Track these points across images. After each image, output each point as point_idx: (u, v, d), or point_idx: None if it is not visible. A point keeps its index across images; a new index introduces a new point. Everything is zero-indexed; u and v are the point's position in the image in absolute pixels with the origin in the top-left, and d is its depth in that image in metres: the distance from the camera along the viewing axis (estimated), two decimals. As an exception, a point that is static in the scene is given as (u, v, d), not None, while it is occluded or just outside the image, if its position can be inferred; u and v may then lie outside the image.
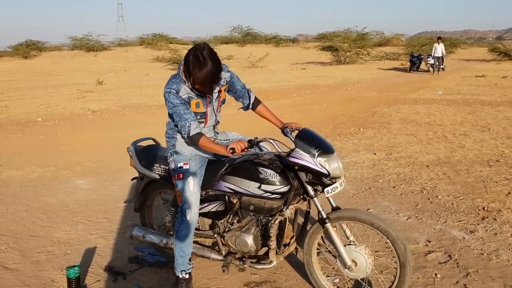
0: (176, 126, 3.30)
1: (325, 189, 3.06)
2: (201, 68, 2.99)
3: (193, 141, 3.16)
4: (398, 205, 5.18)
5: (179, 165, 3.34)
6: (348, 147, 7.92)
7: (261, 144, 3.33)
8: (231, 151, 3.01)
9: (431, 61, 25.67)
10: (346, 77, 23.39)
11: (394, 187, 5.80)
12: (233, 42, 50.44)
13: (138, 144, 3.91)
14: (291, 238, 3.45)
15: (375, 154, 7.44)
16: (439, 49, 24.44)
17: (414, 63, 26.79)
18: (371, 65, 32.35)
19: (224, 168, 3.36)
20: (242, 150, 3.03)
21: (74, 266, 3.44)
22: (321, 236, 3.29)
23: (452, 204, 5.13)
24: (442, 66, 25.79)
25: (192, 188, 3.28)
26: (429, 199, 5.32)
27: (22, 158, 7.88)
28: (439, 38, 26.16)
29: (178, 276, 3.43)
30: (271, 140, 3.24)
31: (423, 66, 26.92)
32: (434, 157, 7.17)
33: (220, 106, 3.44)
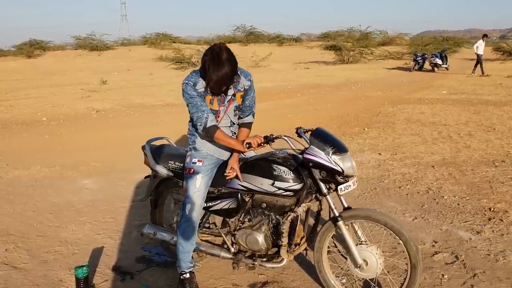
0: (192, 120, 3.37)
1: (339, 187, 3.11)
2: (215, 69, 3.06)
3: (208, 133, 3.24)
4: (404, 205, 5.18)
5: (193, 160, 3.44)
6: (353, 147, 7.92)
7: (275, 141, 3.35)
8: (247, 145, 3.12)
9: (435, 60, 25.65)
10: (350, 76, 23.36)
11: (399, 187, 5.81)
12: (236, 42, 50.39)
13: (152, 143, 3.96)
14: (302, 238, 3.47)
15: (380, 154, 7.44)
16: (482, 46, 23.67)
17: (418, 63, 26.72)
18: (374, 64, 32.31)
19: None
20: (259, 145, 3.13)
21: (83, 266, 3.46)
22: (332, 235, 3.30)
23: (458, 204, 5.13)
24: (445, 66, 25.74)
25: (198, 185, 3.34)
26: (435, 200, 5.32)
27: (28, 158, 7.90)
28: (485, 35, 25.69)
29: (180, 275, 3.48)
30: (285, 138, 3.26)
31: (426, 65, 26.85)
32: (440, 157, 7.17)
33: (233, 109, 3.46)
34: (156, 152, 3.82)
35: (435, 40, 42.88)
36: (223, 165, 3.48)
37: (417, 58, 26.86)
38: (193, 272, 3.53)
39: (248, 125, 3.56)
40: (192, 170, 3.40)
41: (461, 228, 4.50)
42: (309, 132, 3.35)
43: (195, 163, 3.42)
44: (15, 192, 6.05)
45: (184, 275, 3.46)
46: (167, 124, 10.66)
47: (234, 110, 3.47)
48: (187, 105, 3.30)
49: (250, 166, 3.36)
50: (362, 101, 14.09)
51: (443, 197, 5.39)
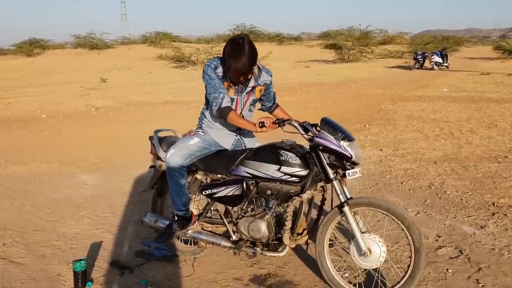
0: (207, 101, 3.45)
1: (347, 172, 3.12)
2: (233, 59, 3.14)
3: (222, 113, 3.28)
4: (407, 200, 5.13)
5: (197, 130, 3.59)
6: (354, 143, 7.84)
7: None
8: (260, 124, 3.12)
9: (436, 59, 25.61)
10: (350, 75, 23.31)
11: (401, 182, 5.75)
12: (236, 40, 50.16)
13: (159, 134, 3.93)
14: (304, 230, 3.42)
15: (381, 150, 7.39)
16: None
17: (418, 61, 26.66)
18: (375, 63, 32.26)
19: (244, 154, 3.40)
20: (273, 124, 3.13)
21: (81, 260, 3.40)
22: (334, 227, 3.26)
23: (461, 199, 5.07)
24: (446, 64, 25.70)
25: (191, 143, 3.47)
26: (437, 195, 5.26)
27: (27, 154, 7.84)
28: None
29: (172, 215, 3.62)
30: (296, 123, 3.25)
31: (427, 64, 26.79)
32: (441, 153, 7.11)
33: (250, 104, 3.52)
34: (163, 141, 3.79)
35: (435, 39, 42.85)
36: (229, 153, 3.53)
37: (418, 57, 26.80)
38: (187, 216, 3.58)
39: (277, 105, 3.77)
40: (193, 133, 3.55)
41: (465, 223, 4.43)
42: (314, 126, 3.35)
43: (198, 131, 3.56)
44: (13, 187, 5.99)
45: (176, 215, 3.57)
46: (167, 121, 10.59)
47: (251, 104, 3.52)
48: (206, 87, 3.38)
49: (256, 154, 3.37)
50: (362, 98, 14.03)
51: (446, 192, 5.33)
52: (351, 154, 3.09)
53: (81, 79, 23.26)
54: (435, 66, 25.68)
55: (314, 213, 3.60)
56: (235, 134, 3.56)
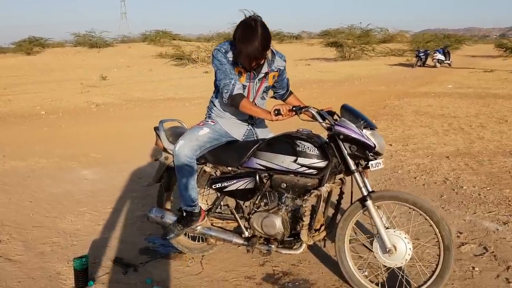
0: (217, 88, 3.24)
1: (370, 163, 2.88)
2: (245, 42, 2.90)
3: (234, 101, 3.03)
4: (422, 195, 4.90)
5: (206, 120, 3.36)
6: (362, 139, 7.62)
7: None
8: (275, 112, 2.87)
9: (438, 56, 25.39)
10: (352, 72, 23.05)
11: (415, 177, 5.53)
12: (236, 39, 49.93)
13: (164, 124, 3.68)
14: (321, 225, 3.19)
15: (391, 145, 7.16)
16: None
17: (421, 59, 26.42)
18: (376, 61, 31.98)
19: (257, 144, 3.17)
20: (289, 111, 2.89)
21: (82, 257, 3.19)
22: (355, 222, 3.04)
23: (479, 195, 4.85)
24: (448, 62, 25.49)
25: (201, 133, 3.23)
26: (454, 190, 5.04)
27: (26, 149, 7.61)
28: None
29: (180, 211, 3.40)
30: (313, 110, 3.00)
31: (429, 61, 26.57)
32: (453, 148, 6.89)
33: (263, 91, 3.29)
34: (169, 131, 3.54)
35: (436, 37, 42.54)
36: (240, 144, 3.30)
37: (420, 54, 26.54)
38: (197, 212, 3.34)
39: (291, 92, 3.56)
40: (202, 123, 3.33)
41: (486, 219, 4.21)
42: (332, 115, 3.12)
43: (207, 121, 3.33)
44: (11, 182, 5.76)
45: (185, 211, 3.34)
46: (168, 117, 10.31)
47: (263, 92, 3.29)
48: (216, 73, 3.13)
49: (270, 145, 3.13)
50: (366, 95, 13.79)
51: (462, 187, 5.11)
52: (374, 144, 2.86)
53: (81, 77, 22.99)
54: (437, 64, 25.40)
55: (330, 208, 3.37)
56: (247, 124, 3.33)
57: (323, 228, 3.21)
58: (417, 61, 26.38)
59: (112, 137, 8.69)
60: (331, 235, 3.24)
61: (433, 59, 25.82)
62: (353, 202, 3.05)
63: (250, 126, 3.33)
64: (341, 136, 2.89)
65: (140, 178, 5.76)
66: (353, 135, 2.85)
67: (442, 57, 25.54)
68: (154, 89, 17.00)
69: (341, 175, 3.14)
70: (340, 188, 3.24)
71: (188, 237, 3.69)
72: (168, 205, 3.78)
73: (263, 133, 3.39)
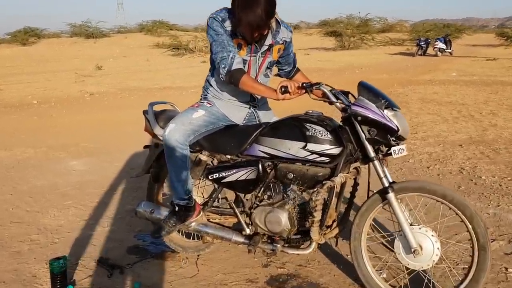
0: (213, 64, 2.80)
1: (392, 149, 2.48)
2: (245, 9, 2.45)
3: (233, 77, 2.59)
4: (438, 186, 4.50)
5: (202, 101, 2.92)
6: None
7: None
8: (282, 89, 2.45)
9: (439, 45, 24.96)
10: (352, 61, 22.58)
11: (428, 167, 5.13)
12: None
13: (154, 107, 3.25)
14: (333, 221, 2.79)
15: (399, 133, 6.75)
16: None
17: (422, 47, 25.97)
18: (376, 50, 31.51)
19: (260, 129, 2.75)
20: (297, 89, 2.48)
21: (59, 258, 2.78)
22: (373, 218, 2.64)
23: (500, 185, 4.46)
24: (449, 51, 25.06)
25: (195, 116, 2.79)
26: (472, 180, 4.64)
27: (12, 139, 7.19)
28: None
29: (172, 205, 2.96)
30: (325, 88, 2.59)
31: (430, 50, 26.13)
32: (465, 136, 6.49)
33: (267, 67, 2.86)
34: (160, 115, 3.10)
35: (436, 27, 42.02)
36: (239, 129, 2.87)
37: (421, 43, 26.12)
38: (191, 206, 2.91)
39: (298, 69, 3.17)
40: (197, 105, 2.89)
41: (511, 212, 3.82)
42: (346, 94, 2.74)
43: (203, 103, 2.89)
44: (-8, 174, 5.35)
45: (177, 205, 2.90)
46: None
47: (267, 68, 2.86)
48: (211, 45, 2.68)
49: (275, 129, 2.71)
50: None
51: (481, 177, 4.71)
52: (397, 126, 2.45)
53: (77, 67, 22.47)
54: (438, 53, 24.97)
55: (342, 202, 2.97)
56: (248, 107, 2.91)
57: (335, 224, 2.81)
58: (418, 50, 25.95)
59: (106, 126, 8.27)
60: (343, 232, 2.85)
61: (434, 47, 25.40)
62: (370, 195, 2.65)
63: (251, 108, 2.91)
64: (359, 118, 2.47)
65: (132, 169, 5.35)
66: (373, 116, 2.44)
67: (443, 46, 25.11)
68: (151, 79, 16.55)
69: (357, 164, 2.73)
70: (354, 179, 2.84)
71: (182, 234, 3.28)
72: (160, 199, 3.36)
73: (266, 117, 2.97)
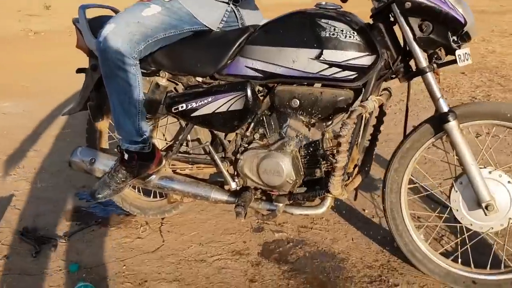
0: None
1: (457, 52, 1.64)
2: None
3: None
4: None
5: None
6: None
7: None
8: None
9: None
10: None
11: (433, 98, 4.35)
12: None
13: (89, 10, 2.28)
14: (355, 166, 1.94)
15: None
16: None
17: None
18: None
19: (247, 34, 1.83)
20: None
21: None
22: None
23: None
24: None
25: (146, 14, 1.83)
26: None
27: None
28: None
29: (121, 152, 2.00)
30: None
31: None
32: (464, 62, 5.73)
33: None
34: (95, 24, 2.12)
35: None
36: (211, 38, 1.92)
37: None
38: (147, 153, 1.97)
39: None
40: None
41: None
42: None
43: None
44: None
45: (127, 151, 1.96)
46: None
47: None
48: None
49: (270, 32, 1.82)
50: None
51: (501, 107, 3.97)
52: (464, 18, 1.57)
53: (21, 7, 20.70)
54: None
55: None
56: (226, 3, 1.96)
57: (356, 170, 1.97)
58: None
59: (51, 65, 7.13)
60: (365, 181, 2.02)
61: None
62: (419, 124, 1.81)
63: (231, 5, 1.96)
64: (407, 4, 1.57)
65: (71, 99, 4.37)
66: (428, 1, 1.55)
67: None
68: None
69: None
70: (380, 107, 1.99)
71: (139, 191, 2.38)
72: (105, 144, 2.43)
73: (253, 18, 2.03)
